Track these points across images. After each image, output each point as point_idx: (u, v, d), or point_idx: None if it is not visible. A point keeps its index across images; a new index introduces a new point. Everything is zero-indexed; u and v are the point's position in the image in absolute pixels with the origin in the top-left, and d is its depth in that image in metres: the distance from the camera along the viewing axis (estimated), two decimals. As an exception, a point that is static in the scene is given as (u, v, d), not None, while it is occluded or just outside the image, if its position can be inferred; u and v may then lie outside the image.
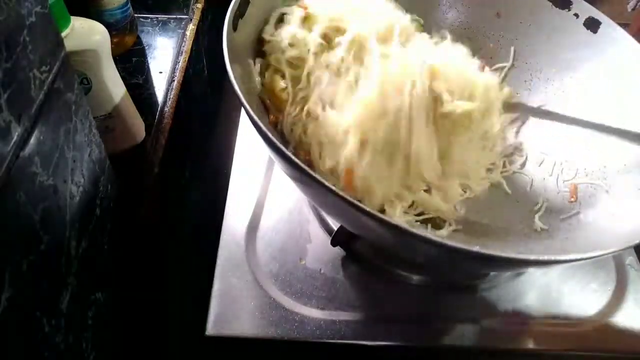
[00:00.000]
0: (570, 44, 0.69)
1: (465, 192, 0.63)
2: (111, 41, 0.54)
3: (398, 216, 0.56)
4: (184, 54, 0.76)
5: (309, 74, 0.58)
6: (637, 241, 0.45)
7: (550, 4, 0.70)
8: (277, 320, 0.55)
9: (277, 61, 0.60)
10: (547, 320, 0.57)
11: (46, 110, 0.35)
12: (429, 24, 0.77)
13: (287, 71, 0.59)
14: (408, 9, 0.77)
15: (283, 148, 0.45)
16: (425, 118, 0.55)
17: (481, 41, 0.75)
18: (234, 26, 0.56)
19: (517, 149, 0.69)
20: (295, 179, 0.51)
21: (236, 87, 0.49)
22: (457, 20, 0.77)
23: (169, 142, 0.65)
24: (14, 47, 0.31)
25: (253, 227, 0.63)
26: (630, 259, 0.63)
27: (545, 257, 0.48)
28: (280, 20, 0.62)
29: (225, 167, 0.70)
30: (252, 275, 0.58)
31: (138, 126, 0.62)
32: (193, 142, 0.83)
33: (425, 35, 0.65)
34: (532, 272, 0.61)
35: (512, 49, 0.74)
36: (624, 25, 0.65)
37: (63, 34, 0.48)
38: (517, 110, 0.71)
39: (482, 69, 0.66)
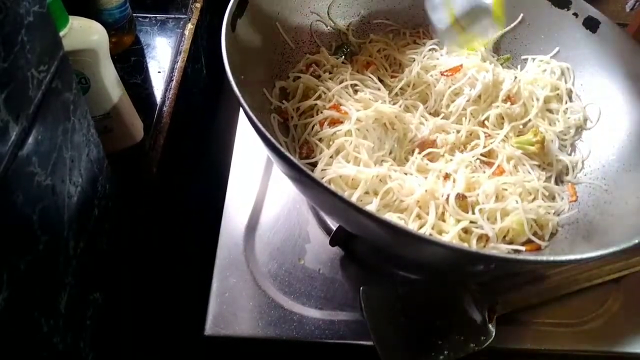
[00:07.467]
0: (570, 43, 0.69)
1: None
2: (110, 41, 0.54)
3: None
4: (182, 53, 0.75)
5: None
6: (636, 241, 0.45)
7: (550, 3, 0.70)
8: (275, 320, 0.55)
9: None
10: (547, 320, 0.57)
11: (44, 109, 0.35)
12: (428, 24, 0.77)
13: None
14: (408, 9, 0.78)
15: (282, 148, 0.44)
16: None
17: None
18: (233, 26, 0.56)
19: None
20: (293, 179, 0.50)
21: (235, 87, 0.48)
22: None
23: (167, 141, 0.65)
24: (12, 47, 0.31)
25: (252, 227, 0.63)
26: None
27: (545, 258, 0.48)
28: None
29: (223, 167, 0.70)
30: (250, 275, 0.58)
31: (136, 126, 0.62)
32: (191, 141, 0.83)
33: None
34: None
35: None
36: (623, 26, 0.65)
37: (61, 34, 0.48)
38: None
39: None
